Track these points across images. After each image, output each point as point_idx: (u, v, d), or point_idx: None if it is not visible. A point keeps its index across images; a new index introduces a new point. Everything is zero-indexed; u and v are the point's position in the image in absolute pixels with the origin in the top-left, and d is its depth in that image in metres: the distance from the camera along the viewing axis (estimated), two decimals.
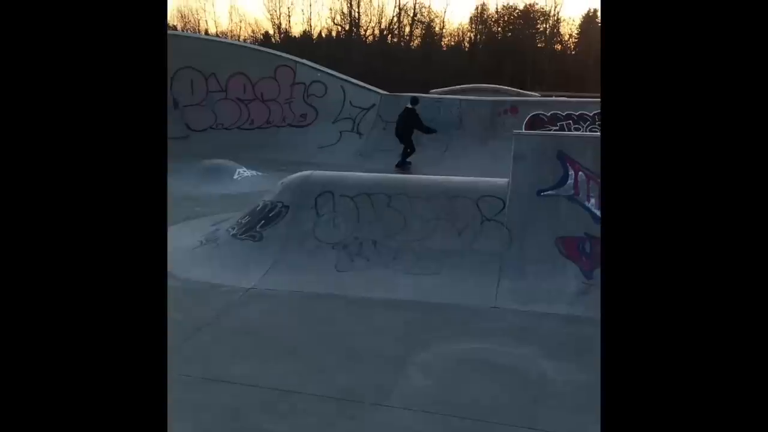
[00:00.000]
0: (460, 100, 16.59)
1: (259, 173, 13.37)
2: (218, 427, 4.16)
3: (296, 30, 46.68)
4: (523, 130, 13.90)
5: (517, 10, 45.57)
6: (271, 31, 45.99)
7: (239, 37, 43.99)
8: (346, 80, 17.37)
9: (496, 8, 45.99)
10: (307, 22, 46.09)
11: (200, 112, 16.71)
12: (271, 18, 45.76)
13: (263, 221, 7.73)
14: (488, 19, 45.64)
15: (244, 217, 8.03)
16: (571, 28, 46.76)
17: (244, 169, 13.39)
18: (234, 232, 7.86)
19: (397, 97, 16.88)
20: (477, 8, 45.61)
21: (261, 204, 8.04)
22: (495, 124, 15.55)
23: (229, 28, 45.47)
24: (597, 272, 6.58)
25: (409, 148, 14.91)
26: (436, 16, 45.96)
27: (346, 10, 44.59)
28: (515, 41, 44.36)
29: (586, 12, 46.96)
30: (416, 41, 45.97)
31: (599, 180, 6.84)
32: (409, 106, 15.02)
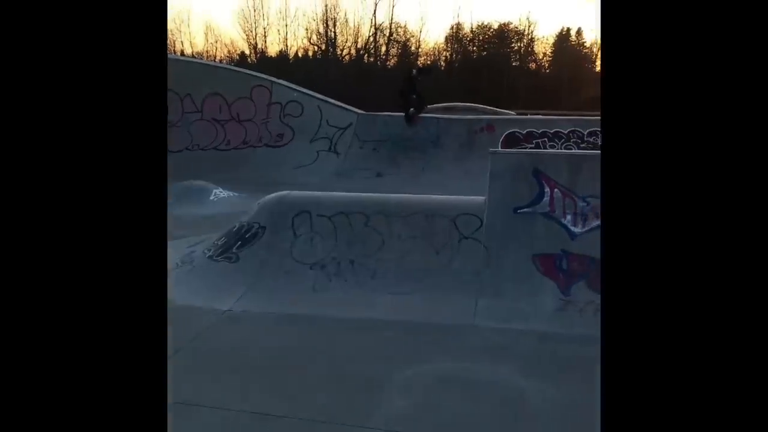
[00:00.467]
0: (438, 118, 16.69)
1: (236, 194, 13.28)
2: None
3: (272, 50, 46.77)
4: (500, 148, 14.02)
5: (491, 30, 46.15)
6: (247, 52, 46.04)
7: (215, 57, 43.97)
8: (322, 100, 17.39)
9: (471, 27, 46.36)
10: (283, 42, 46.10)
11: (176, 133, 16.60)
12: (247, 38, 45.70)
13: (240, 242, 7.67)
14: (463, 38, 46.15)
15: (221, 239, 7.96)
16: (545, 47, 47.44)
17: (221, 189, 13.30)
18: (210, 253, 7.78)
19: (374, 116, 16.93)
20: (452, 27, 45.92)
21: (237, 225, 7.98)
22: (472, 142, 15.66)
23: (205, 49, 45.40)
24: (574, 289, 6.62)
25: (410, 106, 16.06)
26: (412, 36, 46.22)
27: (322, 30, 44.83)
28: (490, 60, 44.87)
29: (559, 31, 47.62)
30: (393, 60, 46.30)
31: (575, 197, 6.90)
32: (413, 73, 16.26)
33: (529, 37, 46.26)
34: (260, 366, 5.36)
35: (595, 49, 46.53)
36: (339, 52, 45.45)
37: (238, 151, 16.89)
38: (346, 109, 17.25)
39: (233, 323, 6.34)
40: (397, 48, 46.51)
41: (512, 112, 20.02)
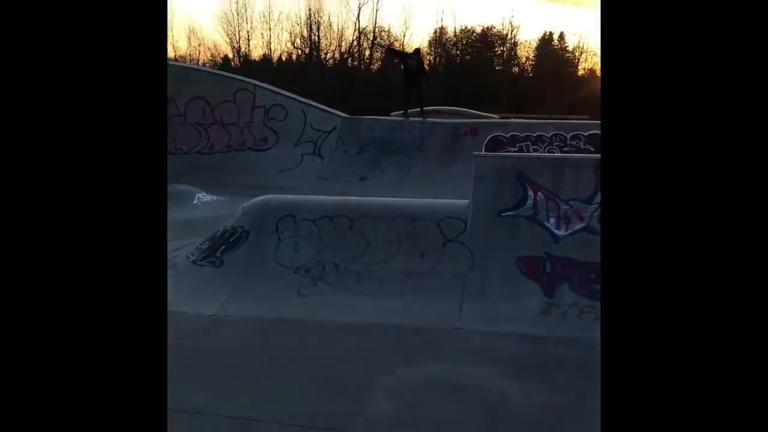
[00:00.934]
0: (421, 122, 16.72)
1: (220, 198, 13.21)
2: None
3: (256, 54, 46.48)
4: (483, 152, 14.07)
5: (474, 34, 46.29)
6: (230, 55, 45.79)
7: (198, 60, 43.68)
8: (306, 103, 17.34)
9: (455, 31, 46.39)
10: (267, 45, 45.90)
11: None
12: (231, 42, 45.38)
13: (223, 246, 7.63)
14: (447, 43, 46.24)
15: (204, 243, 7.92)
16: (528, 51, 47.63)
17: (204, 194, 13.21)
18: (194, 258, 7.74)
19: (359, 119, 16.92)
20: (436, 32, 45.89)
21: (221, 229, 7.94)
22: (456, 146, 15.70)
23: (188, 52, 45.02)
24: (557, 292, 6.66)
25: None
26: (396, 40, 46.25)
27: (305, 34, 44.74)
28: (474, 64, 45.03)
29: (542, 35, 47.87)
30: (376, 64, 46.32)
31: (558, 200, 6.95)
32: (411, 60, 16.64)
33: (512, 41, 46.50)
34: (245, 370, 5.34)
35: (577, 53, 46.89)
36: (323, 56, 45.38)
37: (222, 155, 16.79)
38: (331, 113, 17.23)
39: (217, 328, 6.31)
40: (381, 52, 46.53)
41: (496, 116, 20.11)
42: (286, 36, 46.41)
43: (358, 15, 44.16)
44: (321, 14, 44.32)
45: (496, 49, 47.08)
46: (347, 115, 17.30)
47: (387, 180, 14.94)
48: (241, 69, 38.87)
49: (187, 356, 5.63)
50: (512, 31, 45.77)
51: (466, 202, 7.35)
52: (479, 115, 19.71)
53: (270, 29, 45.31)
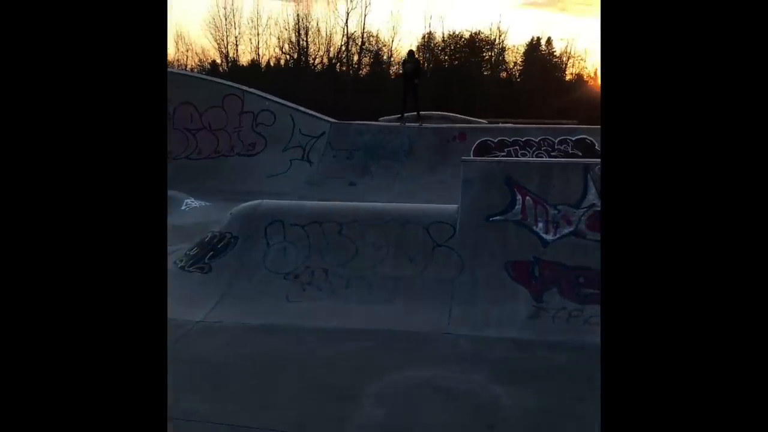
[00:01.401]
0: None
1: (208, 203, 13.15)
2: None
3: (244, 59, 46.44)
4: (472, 157, 14.11)
5: (462, 39, 46.46)
6: (218, 60, 45.71)
7: (186, 66, 43.55)
8: (295, 108, 17.33)
9: (443, 36, 46.53)
10: (255, 51, 45.86)
11: None
12: (219, 47, 45.33)
13: (212, 252, 7.60)
14: (435, 48, 46.38)
15: (193, 249, 7.88)
16: (516, 56, 47.84)
17: (192, 199, 13.16)
18: (182, 264, 7.70)
19: (347, 124, 16.93)
20: (424, 37, 45.99)
21: (209, 235, 7.91)
22: (444, 151, 15.73)
23: (176, 57, 44.85)
24: (546, 296, 6.68)
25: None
26: (384, 45, 46.35)
27: (294, 39, 44.75)
28: (462, 69, 45.16)
29: (529, 40, 48.09)
30: (365, 69, 46.37)
31: (546, 205, 6.97)
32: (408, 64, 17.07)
33: (500, 46, 46.70)
34: (233, 377, 5.31)
35: (564, 58, 47.18)
36: (311, 61, 45.41)
37: (210, 161, 16.74)
38: (319, 118, 17.23)
39: (206, 334, 6.28)
40: (370, 57, 46.60)
41: (484, 121, 20.16)
42: (274, 41, 46.24)
43: (347, 20, 44.23)
44: (309, 19, 44.39)
45: (484, 54, 47.26)
46: (336, 120, 17.30)
47: (376, 185, 14.95)
48: (230, 74, 38.80)
49: (175, 363, 5.59)
50: (500, 36, 46.00)
51: (455, 206, 7.36)
52: (468, 119, 19.75)
53: (258, 34, 45.32)
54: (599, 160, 12.65)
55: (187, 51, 44.78)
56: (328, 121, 17.12)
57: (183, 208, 12.78)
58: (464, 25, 64.90)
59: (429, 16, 67.58)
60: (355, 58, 46.06)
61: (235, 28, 44.76)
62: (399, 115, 17.48)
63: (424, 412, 4.74)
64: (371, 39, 45.95)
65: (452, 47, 46.96)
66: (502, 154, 15.48)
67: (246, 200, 8.28)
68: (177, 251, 8.41)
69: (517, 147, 15.68)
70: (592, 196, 6.90)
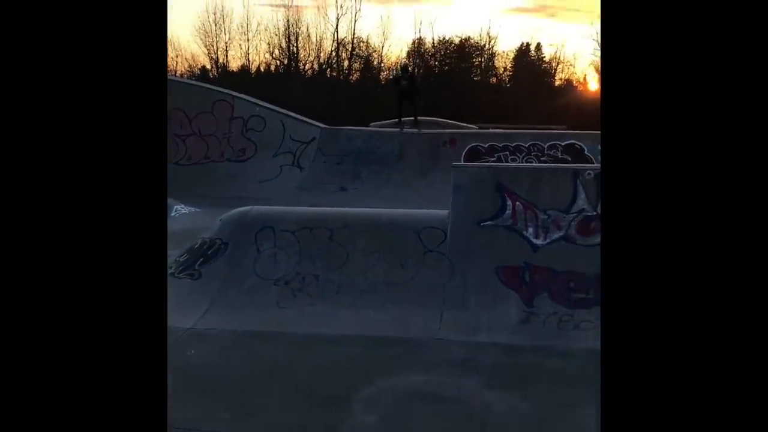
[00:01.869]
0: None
1: (198, 209, 13.09)
2: None
3: (234, 65, 46.31)
4: (462, 162, 14.14)
5: (452, 44, 46.56)
6: (208, 66, 45.58)
7: (176, 72, 43.36)
8: (285, 114, 17.30)
9: (432, 42, 46.62)
10: (245, 56, 45.76)
11: None
12: (208, 53, 45.21)
13: (202, 259, 7.57)
14: (425, 53, 46.46)
15: (183, 255, 7.84)
16: (505, 62, 47.97)
17: (182, 205, 13.09)
18: (172, 270, 7.66)
19: (338, 130, 16.93)
20: (414, 42, 46.04)
21: (200, 241, 7.88)
22: (435, 156, 15.75)
23: None
24: (537, 301, 6.70)
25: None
26: (374, 50, 46.40)
27: (284, 45, 44.71)
28: (452, 74, 45.25)
29: (519, 46, 48.26)
30: (355, 75, 46.39)
31: (536, 210, 7.00)
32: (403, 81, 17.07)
33: (490, 51, 46.84)
34: (224, 384, 5.28)
35: (554, 64, 47.37)
36: (301, 67, 45.37)
37: (200, 166, 16.67)
38: (310, 124, 17.21)
39: (196, 341, 6.24)
40: (360, 62, 46.65)
41: (474, 126, 20.22)
42: (264, 47, 46.11)
43: (337, 26, 44.24)
44: (299, 25, 44.35)
45: (474, 60, 47.40)
46: (326, 126, 17.29)
47: (366, 190, 14.94)
48: (220, 80, 38.73)
49: None
50: (490, 41, 46.15)
51: (445, 212, 7.37)
52: (458, 125, 19.81)
53: (248, 40, 45.20)
54: (589, 165, 12.73)
55: (177, 57, 44.63)
56: (319, 127, 17.11)
57: (173, 214, 12.71)
58: (454, 31, 64.97)
59: (419, 21, 67.68)
60: (346, 63, 46.09)
61: (225, 34, 44.65)
62: (397, 120, 17.51)
63: (416, 418, 4.74)
64: (361, 44, 46.01)
65: (442, 53, 47.08)
66: (493, 159, 15.52)
67: (236, 206, 8.25)
68: (167, 258, 8.36)
69: (507, 152, 15.72)
70: (582, 201, 6.93)
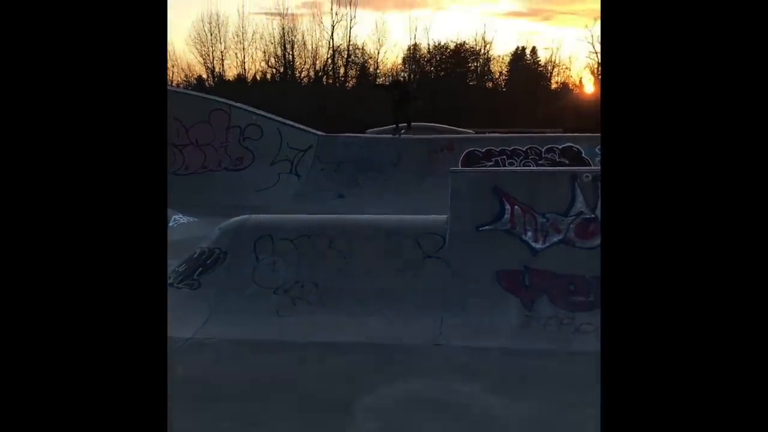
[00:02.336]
0: (398, 138, 16.82)
1: (196, 219, 13.09)
2: None
3: (230, 74, 46.35)
4: (460, 167, 14.16)
5: (448, 50, 46.67)
6: (204, 75, 45.62)
7: (172, 81, 43.41)
8: (282, 122, 17.33)
9: (428, 48, 46.71)
10: (241, 65, 45.83)
11: None
12: (204, 62, 45.28)
13: (201, 268, 7.55)
14: (421, 59, 46.56)
15: (181, 265, 7.83)
16: (501, 66, 48.07)
17: (180, 215, 13.09)
18: (171, 280, 7.64)
19: (335, 137, 16.95)
20: (409, 48, 46.15)
21: (198, 251, 7.86)
22: (432, 162, 15.78)
23: None
24: (536, 304, 6.69)
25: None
26: (370, 57, 46.50)
27: (280, 53, 44.78)
28: (448, 80, 45.34)
29: (514, 50, 48.36)
30: (351, 82, 46.45)
31: (534, 213, 6.99)
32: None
33: (485, 57, 46.95)
34: (225, 393, 5.27)
35: (549, 67, 47.49)
36: (297, 75, 45.44)
37: (198, 176, 16.68)
38: (306, 131, 17.23)
39: (196, 351, 6.22)
40: (356, 69, 46.73)
41: (471, 131, 20.26)
42: (260, 55, 46.19)
43: (332, 33, 44.34)
44: (295, 33, 44.44)
45: (470, 65, 47.50)
46: (323, 133, 17.32)
47: (365, 197, 14.94)
48: (216, 89, 38.76)
49: None
50: (485, 46, 46.27)
51: (444, 217, 7.37)
52: (455, 130, 19.86)
53: (244, 49, 45.29)
54: (586, 167, 12.74)
55: (173, 66, 44.66)
56: (316, 134, 17.14)
57: (171, 224, 12.70)
58: (449, 36, 65.12)
59: (414, 27, 67.88)
60: (342, 70, 46.18)
61: (220, 43, 44.76)
62: (394, 126, 17.57)
63: (418, 424, 4.72)
64: (357, 51, 46.11)
65: (438, 58, 47.17)
66: (490, 163, 15.55)
67: (234, 215, 8.25)
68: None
69: (505, 156, 15.75)
70: (580, 204, 6.93)
